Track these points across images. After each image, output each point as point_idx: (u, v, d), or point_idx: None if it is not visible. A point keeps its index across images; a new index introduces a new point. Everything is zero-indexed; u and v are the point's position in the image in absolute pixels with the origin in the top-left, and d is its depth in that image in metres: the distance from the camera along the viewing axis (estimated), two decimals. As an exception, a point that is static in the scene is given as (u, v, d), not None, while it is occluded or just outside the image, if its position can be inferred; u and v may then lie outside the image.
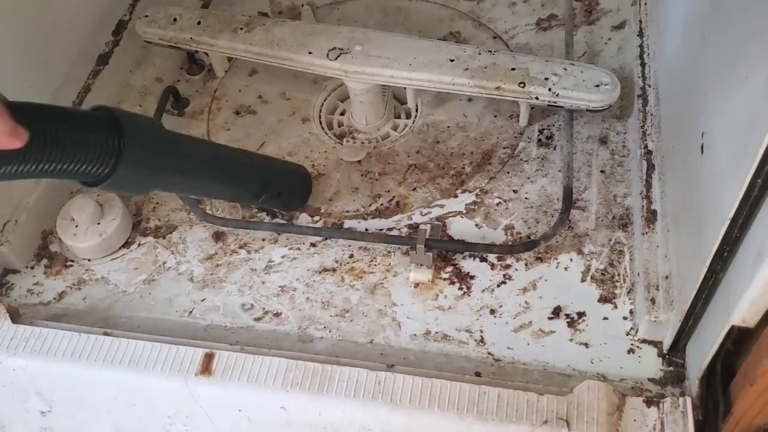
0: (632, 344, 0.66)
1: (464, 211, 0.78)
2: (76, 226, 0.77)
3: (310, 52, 0.83)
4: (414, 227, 0.77)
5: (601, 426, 0.56)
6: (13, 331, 0.66)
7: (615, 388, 0.59)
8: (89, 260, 0.78)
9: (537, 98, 0.78)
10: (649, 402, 0.59)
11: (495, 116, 0.86)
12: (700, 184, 0.58)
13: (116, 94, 0.91)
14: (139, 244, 0.79)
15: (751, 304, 0.49)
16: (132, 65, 0.94)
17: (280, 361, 0.62)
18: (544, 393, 0.59)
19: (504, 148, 0.83)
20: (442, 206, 0.79)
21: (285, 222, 0.79)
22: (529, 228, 0.76)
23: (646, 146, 0.74)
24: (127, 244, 0.79)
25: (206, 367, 0.62)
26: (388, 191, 0.82)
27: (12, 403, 0.66)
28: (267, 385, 0.61)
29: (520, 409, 0.58)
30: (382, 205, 0.80)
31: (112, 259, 0.78)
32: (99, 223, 0.77)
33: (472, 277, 0.73)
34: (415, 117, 0.88)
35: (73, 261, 0.78)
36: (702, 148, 0.58)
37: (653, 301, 0.64)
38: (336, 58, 0.81)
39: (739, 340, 0.55)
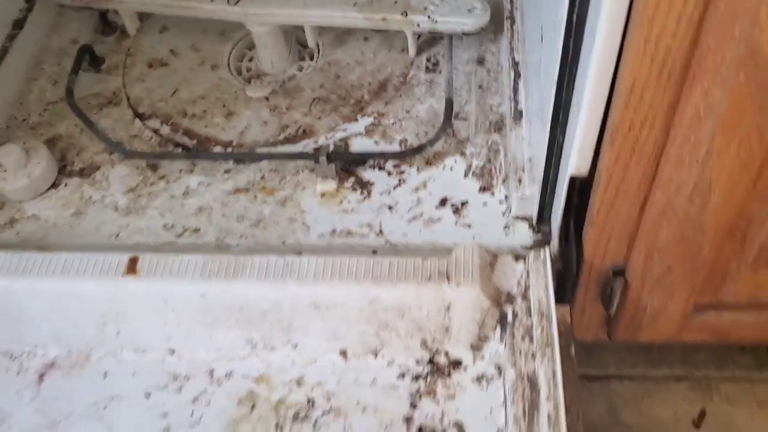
0: (507, 222, 0.76)
1: (364, 132, 0.87)
2: (5, 171, 0.83)
3: (212, 0, 0.91)
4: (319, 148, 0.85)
5: (476, 278, 0.66)
6: (-49, 257, 0.72)
7: (488, 249, 0.69)
8: (20, 202, 0.84)
9: (419, 25, 0.88)
10: (516, 257, 0.70)
11: (389, 51, 0.96)
12: (541, 69, 0.68)
13: (34, 56, 0.97)
14: (65, 185, 0.85)
15: (579, 152, 0.60)
16: (47, 30, 1.00)
17: (198, 257, 0.70)
18: (428, 258, 0.68)
19: (397, 76, 0.93)
20: (344, 130, 0.88)
21: (200, 150, 0.86)
22: (419, 140, 0.85)
23: (513, 59, 0.85)
24: (54, 186, 0.85)
25: (131, 268, 0.70)
26: (295, 122, 0.90)
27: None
28: (187, 277, 0.69)
29: (408, 271, 0.67)
30: (290, 133, 0.89)
31: (41, 199, 0.84)
32: (26, 167, 0.83)
33: (371, 184, 0.82)
34: (317, 57, 0.97)
35: (3, 204, 0.84)
36: (542, 38, 0.68)
37: (520, 180, 0.75)
38: (236, 3, 0.89)
39: (582, 192, 0.65)
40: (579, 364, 0.71)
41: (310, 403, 0.67)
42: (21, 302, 0.71)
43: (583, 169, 0.61)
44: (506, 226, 0.76)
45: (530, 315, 0.65)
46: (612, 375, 0.91)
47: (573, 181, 0.63)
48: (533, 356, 0.63)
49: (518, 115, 0.80)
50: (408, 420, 0.65)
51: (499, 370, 0.67)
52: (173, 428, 0.67)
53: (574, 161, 0.61)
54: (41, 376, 0.71)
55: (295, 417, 0.67)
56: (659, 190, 0.56)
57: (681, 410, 0.88)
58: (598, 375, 0.91)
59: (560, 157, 0.63)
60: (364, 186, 0.82)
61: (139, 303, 0.69)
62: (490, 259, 0.69)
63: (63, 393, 0.70)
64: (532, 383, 0.62)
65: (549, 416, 0.59)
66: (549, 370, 0.61)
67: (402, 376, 0.68)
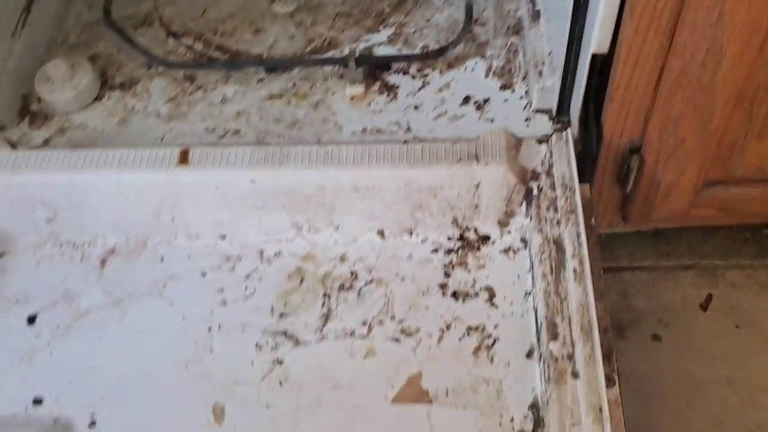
0: (528, 115, 0.82)
1: (386, 42, 0.92)
2: (52, 84, 0.88)
3: None
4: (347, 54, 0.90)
5: (503, 157, 0.72)
6: (15, 156, 0.78)
7: (513, 134, 0.75)
8: (67, 113, 0.89)
9: (436, -61, 0.92)
10: (540, 141, 0.75)
11: (407, -33, 1.00)
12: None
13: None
14: (108, 97, 0.91)
15: (600, 29, 0.65)
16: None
17: (245, 148, 0.76)
18: (457, 143, 0.74)
19: (416, -11, 0.98)
20: (368, 41, 0.93)
21: (233, 61, 0.91)
22: (440, 45, 0.90)
23: (529, -36, 0.90)
24: (98, 99, 0.90)
25: (183, 159, 0.76)
26: (320, 35, 0.95)
27: (21, 215, 0.78)
28: (236, 166, 0.75)
29: (439, 154, 0.73)
30: (316, 46, 0.94)
31: (87, 110, 0.89)
32: (72, 80, 0.88)
33: (397, 87, 0.87)
34: (340, -22, 1.01)
35: (52, 115, 0.89)
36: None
37: (540, 73, 0.80)
38: None
39: (602, 73, 0.70)
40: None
41: (354, 275, 0.74)
42: (82, 195, 0.77)
43: (604, 46, 0.67)
44: (527, 119, 0.82)
45: (554, 189, 0.71)
46: (624, 267, 0.97)
47: (594, 59, 0.68)
48: (558, 223, 0.69)
49: (536, 15, 0.85)
50: (443, 286, 0.72)
51: (525, 242, 0.73)
52: (229, 301, 0.73)
53: (596, 38, 0.66)
54: (103, 262, 0.77)
55: (341, 287, 0.73)
56: (675, 58, 0.61)
57: (689, 295, 0.94)
58: (610, 267, 0.97)
59: (581, 38, 0.68)
60: (390, 89, 0.87)
61: (192, 191, 0.75)
62: (516, 142, 0.74)
63: (124, 275, 0.76)
64: (558, 245, 0.68)
65: (575, 270, 0.65)
66: (573, 233, 0.67)
67: (435, 251, 0.74)
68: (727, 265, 0.96)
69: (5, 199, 0.77)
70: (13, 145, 0.80)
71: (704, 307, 0.93)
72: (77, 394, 0.69)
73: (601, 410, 0.58)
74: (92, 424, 0.67)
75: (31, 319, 0.74)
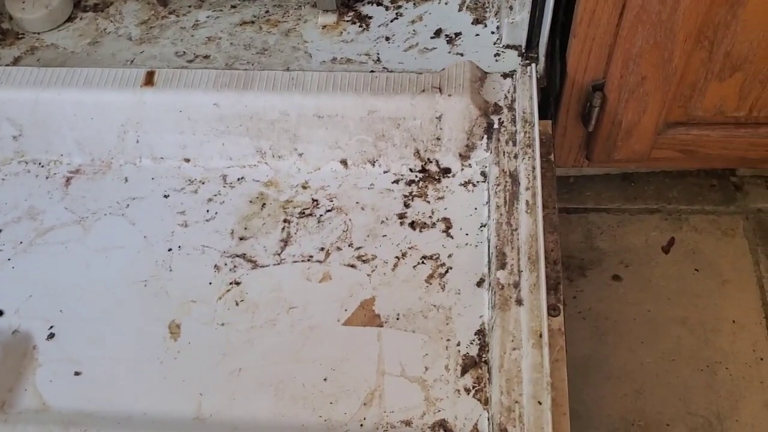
0: (498, 50, 0.82)
1: (362, -28, 0.91)
2: (23, 2, 0.87)
3: None
4: (319, -17, 0.89)
5: (466, 89, 0.72)
6: (-20, 71, 0.77)
7: (478, 67, 0.75)
8: (38, 33, 0.88)
9: None
10: (505, 75, 0.75)
11: None
12: None
13: None
14: (81, 18, 0.90)
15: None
16: None
17: (211, 71, 0.76)
18: (422, 73, 0.74)
19: None
20: (343, -30, 0.92)
21: (207, -14, 0.90)
22: (416, -22, 0.89)
23: None
24: (70, 20, 0.90)
25: (149, 80, 0.76)
26: (297, -37, 0.94)
27: (-14, 132, 0.78)
28: (201, 88, 0.75)
29: (404, 84, 0.73)
30: (291, -28, 0.93)
31: (58, 30, 0.89)
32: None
33: (370, 18, 0.87)
34: None
35: (23, 34, 0.88)
36: None
37: (511, 7, 0.79)
38: None
39: (568, 8, 0.70)
40: (559, 200, 0.78)
41: (315, 202, 0.75)
42: (48, 113, 0.77)
43: (568, -19, 0.66)
44: (497, 54, 0.81)
45: (514, 123, 0.72)
46: (590, 208, 0.99)
47: (560, -2, 0.67)
48: (515, 156, 0.70)
49: (511, -50, 0.84)
50: (402, 216, 0.73)
51: (484, 175, 0.74)
52: (190, 223, 0.74)
53: (561, -27, 0.65)
54: (68, 180, 0.78)
55: (302, 214, 0.74)
56: (635, -7, 0.61)
57: (652, 238, 0.96)
58: (577, 208, 0.98)
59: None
60: (362, 19, 0.87)
61: (157, 113, 0.75)
62: (480, 75, 0.74)
63: (88, 194, 0.77)
64: (513, 177, 0.69)
65: (527, 203, 0.66)
66: (529, 166, 0.68)
67: (397, 181, 0.75)
68: (692, 210, 0.97)
69: (-29, 115, 0.78)
70: (-21, 65, 0.80)
71: (666, 250, 0.95)
72: (37, 308, 0.70)
73: (541, 336, 0.60)
74: (51, 336, 0.68)
75: (-5, 234, 0.75)
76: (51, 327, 0.69)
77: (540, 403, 0.57)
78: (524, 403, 0.58)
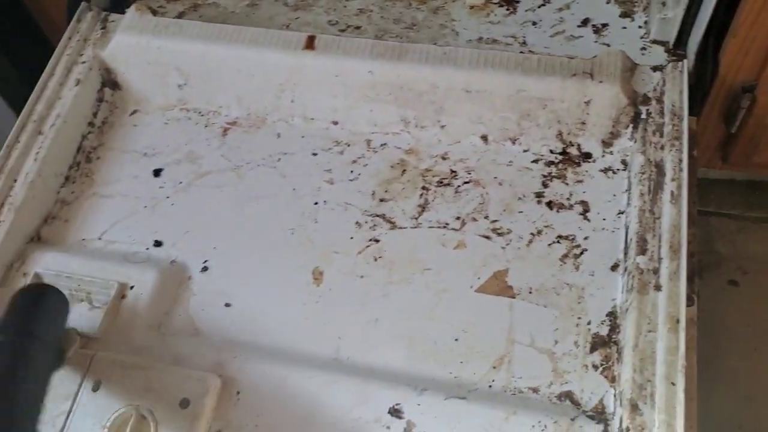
0: (644, 45, 0.83)
1: (511, -42, 0.93)
2: (191, -39, 0.93)
3: None
4: (470, -35, 0.92)
5: (617, 77, 0.74)
6: (156, 21, 0.84)
7: (630, 57, 0.76)
8: (201, -8, 0.95)
9: None
10: (655, 68, 0.77)
11: None
12: None
13: None
14: (240, -19, 0.95)
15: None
16: None
17: (369, 40, 0.80)
18: (574, 58, 0.76)
19: None
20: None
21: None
22: (565, -33, 0.91)
23: None
24: (230, -19, 0.95)
25: (309, 44, 0.80)
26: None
27: (155, 78, 0.84)
28: (358, 56, 0.79)
29: (555, 67, 0.75)
30: (441, -46, 0.96)
31: (219, -10, 0.94)
32: (208, -40, 0.93)
33: (517, 2, 0.89)
34: None
35: (186, -8, 0.95)
36: None
37: (663, 3, 0.80)
38: None
39: (729, 7, 0.71)
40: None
41: (453, 173, 0.78)
42: (214, 66, 0.82)
43: (737, -20, 0.67)
44: (643, 48, 0.82)
45: (662, 115, 0.73)
46: (712, 212, 0.99)
47: (721, -1, 0.68)
48: (661, 147, 0.71)
49: (668, -54, 0.84)
50: (539, 195, 0.75)
51: (625, 164, 0.76)
52: (336, 180, 0.78)
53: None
54: (225, 131, 0.84)
55: (440, 183, 0.77)
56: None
57: (774, 248, 0.95)
58: (699, 210, 0.98)
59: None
60: (510, 2, 0.89)
61: (314, 75, 0.80)
62: (631, 65, 0.76)
63: (243, 145, 0.82)
64: (659, 167, 0.70)
65: (672, 193, 0.68)
66: (676, 158, 0.69)
67: (536, 161, 0.78)
68: (819, 225, 0.96)
69: (143, 61, 0.84)
70: (154, 13, 0.86)
71: (788, 261, 0.94)
72: (193, 243, 0.76)
73: (678, 321, 0.61)
74: (204, 269, 0.74)
75: (157, 172, 0.81)
76: (205, 261, 0.74)
77: (673, 384, 0.59)
78: (656, 382, 0.60)
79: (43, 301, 0.63)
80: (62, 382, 0.66)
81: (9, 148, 0.78)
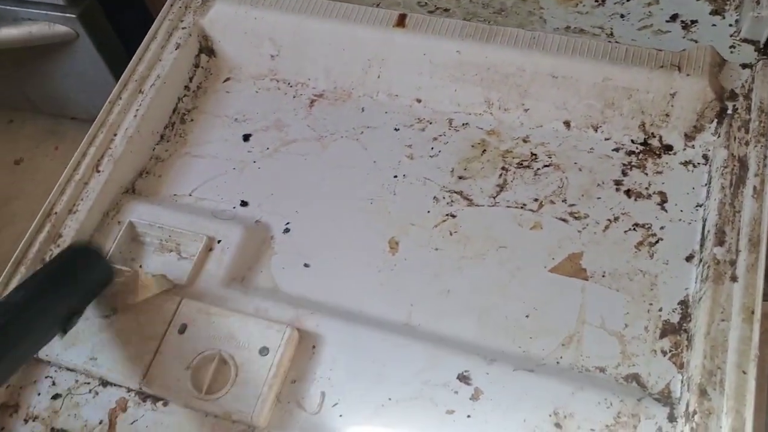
0: (734, 42, 0.83)
1: (602, -49, 0.94)
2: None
3: None
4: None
5: (705, 72, 0.74)
6: (254, -7, 0.88)
7: (719, 53, 0.76)
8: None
9: None
10: (744, 66, 0.77)
11: None
12: None
13: None
14: (333, -39, 0.98)
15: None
16: None
17: (458, 21, 0.82)
18: (662, 50, 0.76)
19: None
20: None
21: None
22: (656, -37, 0.91)
23: None
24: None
25: (400, 22, 0.83)
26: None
27: (249, 47, 0.88)
28: (447, 35, 0.81)
29: (643, 58, 0.76)
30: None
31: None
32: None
33: (606, -5, 0.90)
34: None
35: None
36: None
37: (758, 2, 0.80)
38: None
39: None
40: None
41: (533, 156, 0.79)
42: (306, 39, 0.86)
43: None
44: (732, 46, 0.82)
45: (749, 112, 0.73)
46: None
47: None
48: (746, 143, 0.71)
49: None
50: (618, 182, 0.76)
51: (706, 159, 0.76)
52: (416, 156, 0.81)
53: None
54: (312, 102, 0.87)
55: (519, 164, 0.79)
56: None
57: None
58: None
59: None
60: (599, -5, 0.90)
61: (402, 53, 0.83)
62: (720, 61, 0.76)
63: (329, 117, 0.85)
64: (742, 162, 0.70)
65: (755, 188, 0.68)
66: (760, 154, 0.69)
67: (617, 150, 0.78)
68: None
69: (239, 30, 0.88)
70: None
71: None
72: (277, 205, 0.79)
73: (753, 313, 0.62)
74: (286, 230, 0.78)
75: (246, 137, 0.85)
76: (287, 223, 0.78)
77: (745, 372, 0.60)
78: (727, 370, 0.60)
79: (72, 271, 0.67)
80: (150, 323, 0.70)
81: (111, 104, 0.83)
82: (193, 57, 0.90)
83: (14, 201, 1.27)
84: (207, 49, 0.90)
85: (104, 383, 0.71)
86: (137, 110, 0.83)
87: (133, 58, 0.86)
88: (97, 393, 0.71)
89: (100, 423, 0.69)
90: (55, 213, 0.77)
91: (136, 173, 0.84)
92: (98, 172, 0.80)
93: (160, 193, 0.82)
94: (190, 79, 0.89)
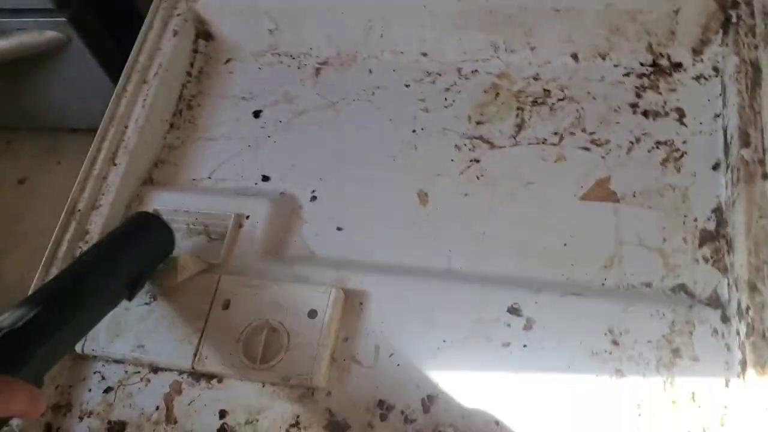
0: (726, -44, 0.83)
1: None
2: None
3: None
4: None
5: (705, -16, 0.75)
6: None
7: (715, -35, 0.77)
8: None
9: None
10: (741, -26, 0.77)
11: None
12: None
13: None
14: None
15: None
16: None
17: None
18: (659, -30, 0.77)
19: None
20: None
21: None
22: None
23: None
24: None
25: (396, -22, 0.83)
26: None
27: (246, 26, 0.88)
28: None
29: (642, -20, 0.77)
30: None
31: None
32: None
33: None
34: None
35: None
36: None
37: None
38: None
39: None
40: None
41: (546, 92, 0.80)
42: (302, 8, 0.86)
43: None
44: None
45: (753, 17, 0.74)
46: None
47: None
48: (755, 47, 0.72)
49: None
50: (634, 105, 0.77)
51: (717, 71, 0.77)
52: (430, 108, 0.81)
53: None
54: (317, 71, 0.87)
55: (534, 102, 0.79)
56: None
57: None
58: None
59: None
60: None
61: (401, 7, 0.83)
62: (718, -26, 0.77)
63: (337, 83, 0.85)
64: (755, 66, 0.71)
65: (772, 87, 0.69)
66: (772, 54, 0.70)
67: (628, 74, 0.79)
68: None
69: (234, 10, 0.88)
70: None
71: None
72: (299, 175, 0.79)
73: (791, 205, 0.63)
74: (313, 198, 0.78)
75: (257, 114, 0.85)
76: (313, 191, 0.78)
77: (792, 263, 0.60)
78: (774, 264, 0.61)
79: (139, 235, 0.68)
80: (192, 304, 0.70)
81: (118, 97, 0.83)
82: (191, 43, 0.89)
83: (23, 220, 1.26)
84: (204, 33, 0.90)
85: (155, 369, 0.70)
86: (144, 100, 0.83)
87: (133, 49, 0.86)
88: (149, 380, 0.70)
89: (157, 409, 0.69)
90: (79, 210, 0.76)
91: (151, 164, 0.83)
92: (115, 165, 0.79)
93: (178, 180, 0.82)
94: (191, 65, 0.89)
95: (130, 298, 0.66)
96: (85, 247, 0.75)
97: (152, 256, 0.69)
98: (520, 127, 0.78)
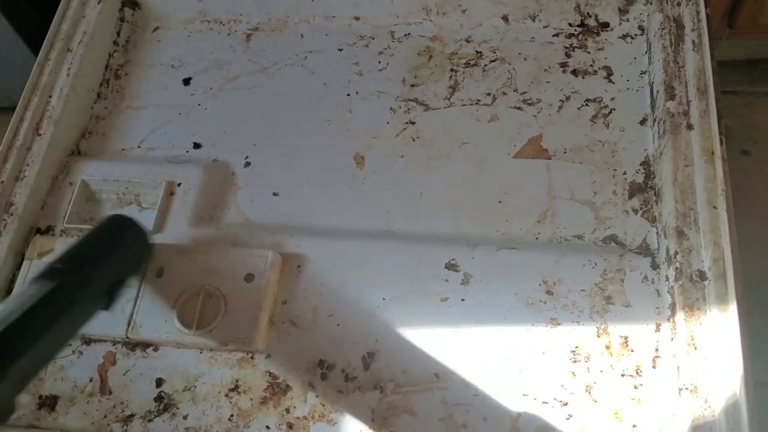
0: None
1: None
2: None
3: None
4: None
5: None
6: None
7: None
8: None
9: None
10: (663, -65, 0.79)
11: None
12: None
13: None
14: None
15: None
16: None
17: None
18: (585, -69, 0.78)
19: None
20: None
21: None
22: None
23: None
24: None
25: (326, -59, 0.82)
26: None
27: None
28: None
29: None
30: None
31: None
32: None
33: None
34: None
35: None
36: None
37: None
38: None
39: None
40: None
41: (479, 54, 0.80)
42: (231, -27, 0.84)
43: None
44: (647, -77, 0.85)
45: (675, -24, 0.76)
46: (718, 91, 1.02)
47: None
48: (678, 4, 0.74)
49: None
50: (563, 65, 0.78)
51: (642, 29, 0.79)
52: (365, 72, 0.81)
53: None
54: (248, 37, 0.85)
55: (467, 64, 0.80)
56: None
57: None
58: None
59: None
60: None
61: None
62: (640, -67, 0.79)
63: (268, 48, 0.84)
64: (678, 22, 0.73)
65: (694, 42, 0.71)
66: (693, 11, 0.72)
67: (557, 35, 0.80)
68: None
69: (161, -24, 0.85)
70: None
71: (793, 128, 0.98)
72: (232, 142, 0.78)
73: (713, 153, 0.65)
74: (247, 164, 0.76)
75: (186, 81, 0.83)
76: (246, 157, 0.77)
77: (715, 207, 0.62)
78: (699, 209, 0.63)
79: (114, 243, 0.63)
80: (125, 274, 0.68)
81: (41, 66, 0.80)
82: (117, 11, 0.86)
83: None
84: (130, 2, 0.87)
85: (87, 341, 0.68)
86: (69, 68, 0.80)
87: (55, 16, 0.82)
88: (81, 353, 0.68)
89: (91, 380, 0.67)
90: (2, 182, 0.73)
91: (78, 134, 0.80)
92: (39, 135, 0.76)
93: (107, 150, 0.79)
94: (118, 34, 0.86)
95: (107, 308, 0.62)
96: (9, 219, 0.72)
97: (129, 263, 0.65)
98: (453, 88, 0.78)
